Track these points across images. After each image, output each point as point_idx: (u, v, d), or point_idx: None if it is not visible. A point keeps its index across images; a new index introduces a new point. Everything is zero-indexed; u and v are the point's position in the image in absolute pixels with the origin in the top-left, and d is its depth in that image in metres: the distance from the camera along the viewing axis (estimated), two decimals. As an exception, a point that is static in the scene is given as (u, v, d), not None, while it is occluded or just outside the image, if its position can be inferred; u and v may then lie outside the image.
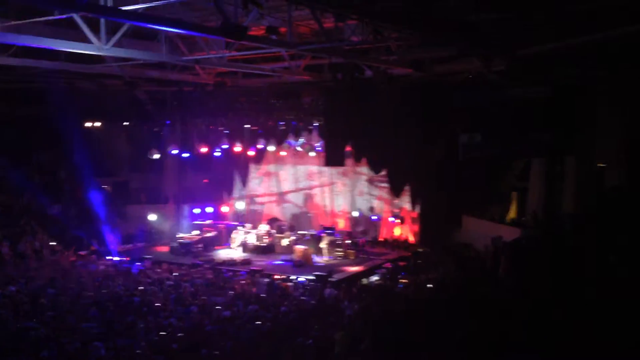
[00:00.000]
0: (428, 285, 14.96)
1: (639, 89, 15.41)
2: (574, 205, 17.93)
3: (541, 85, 16.42)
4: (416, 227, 22.29)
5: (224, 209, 25.12)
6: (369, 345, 9.19)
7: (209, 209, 24.77)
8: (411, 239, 22.39)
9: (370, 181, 23.55)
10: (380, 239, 22.95)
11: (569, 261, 10.68)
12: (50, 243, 20.92)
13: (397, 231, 22.82)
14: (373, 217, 23.13)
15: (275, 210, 25.20)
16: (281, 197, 25.34)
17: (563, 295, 8.58)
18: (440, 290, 13.02)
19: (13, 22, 11.45)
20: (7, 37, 11.35)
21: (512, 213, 20.76)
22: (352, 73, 17.15)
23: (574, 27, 12.86)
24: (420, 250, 20.92)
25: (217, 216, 24.69)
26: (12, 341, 10.87)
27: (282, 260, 20.20)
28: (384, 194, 23.14)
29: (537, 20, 12.73)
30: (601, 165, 17.45)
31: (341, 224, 23.75)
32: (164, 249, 22.37)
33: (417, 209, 22.17)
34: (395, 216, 22.71)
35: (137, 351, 10.52)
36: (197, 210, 24.62)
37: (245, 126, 23.54)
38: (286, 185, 25.24)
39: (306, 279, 17.50)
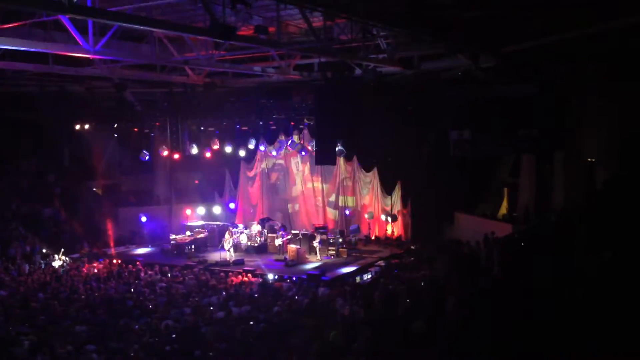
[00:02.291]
0: (422, 283, 14.99)
1: (626, 83, 15.51)
2: (564, 201, 18.02)
3: (529, 81, 16.49)
4: (408, 225, 22.32)
5: (216, 209, 25.06)
6: (363, 344, 9.19)
7: (201, 210, 24.71)
8: (403, 236, 22.42)
9: (361, 179, 23.54)
10: (373, 237, 22.97)
11: (558, 258, 10.72)
12: (42, 247, 20.82)
13: (389, 229, 22.85)
14: (365, 215, 23.14)
15: (267, 210, 25.16)
16: (273, 196, 25.30)
17: (554, 293, 8.61)
18: (435, 287, 13.03)
19: (-1, 25, 11.38)
20: (-7, 40, 11.28)
21: (503, 209, 20.84)
22: (342, 72, 17.15)
23: (560, 23, 12.93)
24: (412, 247, 20.96)
25: (209, 217, 24.63)
26: (4, 346, 10.80)
27: (275, 260, 20.19)
28: (375, 191, 23.14)
29: (523, 17, 12.79)
30: (591, 160, 17.54)
31: (332, 223, 23.76)
32: (156, 250, 22.30)
33: (409, 206, 22.21)
34: (387, 214, 22.73)
35: (131, 354, 10.48)
36: (188, 211, 24.56)
37: (236, 126, 23.51)
38: (277, 185, 25.22)
39: (299, 278, 17.50)
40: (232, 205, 25.20)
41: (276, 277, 17.89)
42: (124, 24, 10.88)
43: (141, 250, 22.45)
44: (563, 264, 10.28)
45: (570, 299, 8.35)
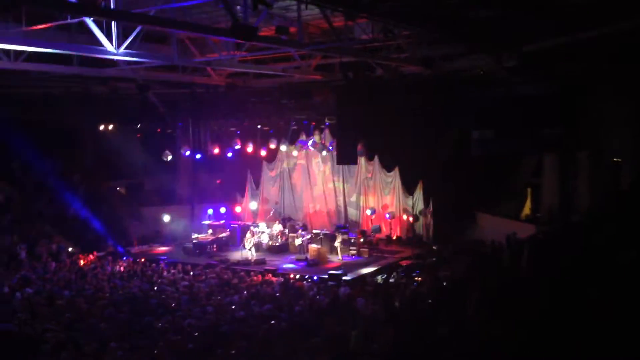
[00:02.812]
0: (444, 283, 14.89)
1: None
2: (589, 202, 17.75)
3: (551, 80, 16.29)
4: (430, 224, 22.20)
5: (238, 209, 25.22)
6: (387, 343, 9.17)
7: (223, 210, 24.88)
8: (425, 236, 22.30)
9: (382, 179, 23.47)
10: (394, 237, 22.89)
11: (582, 260, 10.57)
12: (67, 245, 21.16)
13: (410, 229, 22.75)
14: (387, 215, 23.07)
15: (288, 210, 25.24)
16: (294, 196, 25.36)
17: (578, 294, 8.49)
18: (457, 288, 12.94)
19: (25, 28, 11.58)
20: (19, 42, 11.49)
21: (527, 209, 20.62)
22: (363, 71, 17.13)
23: (582, 20, 12.75)
24: (434, 247, 20.85)
25: (231, 216, 24.79)
26: (31, 343, 11.00)
27: (296, 260, 20.25)
28: (397, 191, 23.05)
29: (545, 15, 12.64)
30: (616, 160, 17.24)
31: (353, 224, 23.72)
32: (178, 249, 22.51)
33: (431, 206, 22.10)
34: (408, 214, 22.64)
35: (155, 352, 10.60)
36: (210, 211, 24.76)
37: (257, 126, 23.62)
38: (299, 185, 25.27)
39: (320, 278, 17.53)
40: (253, 205, 25.29)
41: (297, 276, 17.95)
42: (147, 26, 11.03)
43: (164, 249, 22.71)
44: (588, 264, 10.14)
45: (594, 300, 8.23)
